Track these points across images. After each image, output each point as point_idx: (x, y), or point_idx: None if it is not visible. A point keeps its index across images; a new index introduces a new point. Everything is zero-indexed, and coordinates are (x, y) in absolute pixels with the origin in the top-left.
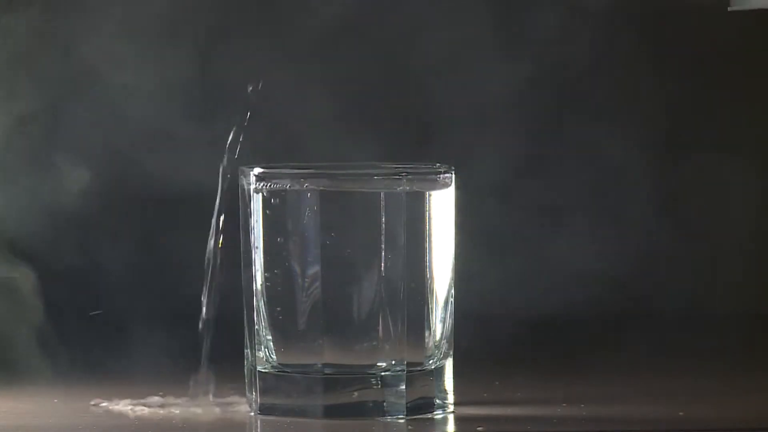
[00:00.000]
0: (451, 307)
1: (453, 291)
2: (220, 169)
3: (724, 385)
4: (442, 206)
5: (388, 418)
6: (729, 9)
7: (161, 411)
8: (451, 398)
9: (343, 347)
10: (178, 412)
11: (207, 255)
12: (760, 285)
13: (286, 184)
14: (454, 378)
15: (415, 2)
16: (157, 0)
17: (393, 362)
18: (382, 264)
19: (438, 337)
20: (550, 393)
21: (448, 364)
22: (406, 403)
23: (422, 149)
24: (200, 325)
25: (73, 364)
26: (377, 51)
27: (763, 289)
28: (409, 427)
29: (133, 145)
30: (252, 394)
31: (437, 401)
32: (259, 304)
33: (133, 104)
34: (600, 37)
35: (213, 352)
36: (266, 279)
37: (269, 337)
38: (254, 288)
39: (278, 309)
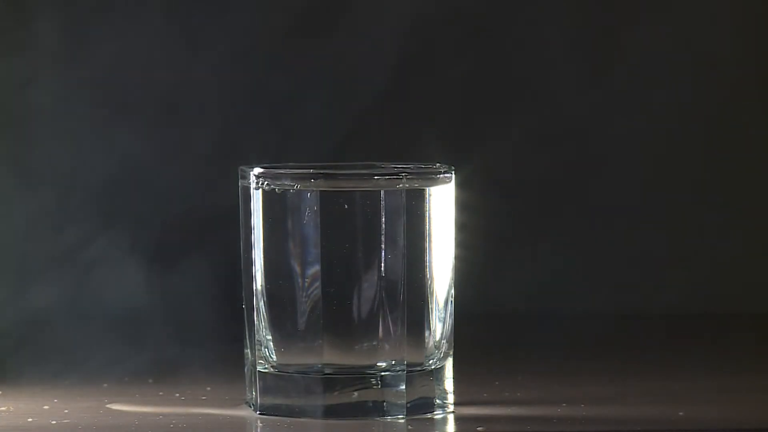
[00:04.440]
0: (450, 306)
1: (453, 291)
2: None
3: (724, 385)
4: (441, 205)
5: (388, 418)
6: None
7: (161, 410)
8: (451, 398)
9: (342, 347)
10: (178, 411)
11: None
12: (760, 285)
13: (286, 184)
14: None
15: None
16: None
17: (393, 362)
18: (382, 264)
19: (438, 337)
20: (550, 393)
21: (448, 364)
22: (406, 403)
23: None
24: None
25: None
26: None
27: (763, 289)
28: (409, 427)
29: None
30: (252, 394)
31: (437, 401)
32: (259, 304)
33: None
34: None
35: None
36: (266, 279)
37: (269, 337)
38: (254, 288)
39: (278, 309)
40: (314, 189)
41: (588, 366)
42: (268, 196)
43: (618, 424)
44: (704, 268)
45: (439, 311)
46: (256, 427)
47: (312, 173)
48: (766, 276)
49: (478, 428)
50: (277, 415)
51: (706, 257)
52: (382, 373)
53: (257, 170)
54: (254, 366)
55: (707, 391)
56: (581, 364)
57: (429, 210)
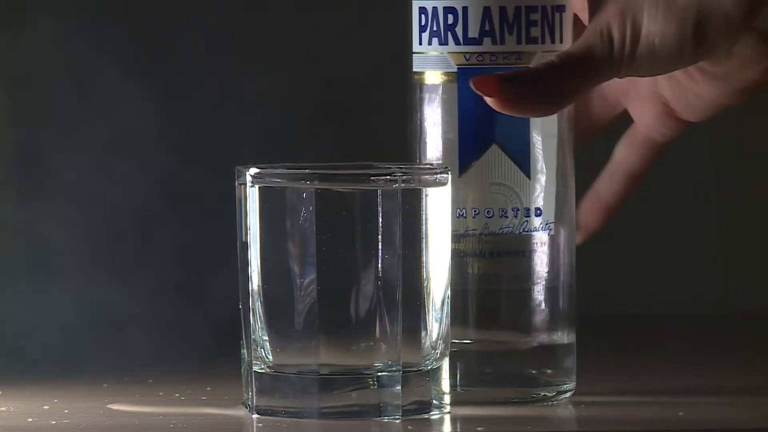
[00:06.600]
0: (447, 307)
1: (449, 291)
2: None
3: (724, 385)
4: (438, 206)
5: (385, 419)
6: None
7: (161, 410)
8: (447, 399)
9: (339, 348)
10: (178, 411)
11: None
12: (760, 285)
13: (283, 184)
14: None
15: None
16: None
17: (389, 363)
18: (379, 264)
19: (434, 337)
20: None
21: (445, 365)
22: (402, 404)
23: None
24: None
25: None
26: None
27: (763, 289)
28: (409, 427)
29: None
30: (248, 394)
31: (434, 402)
32: (255, 304)
33: None
34: None
35: None
36: (262, 279)
37: (265, 338)
38: (250, 288)
39: (274, 309)
40: (310, 189)
41: (587, 366)
42: (264, 196)
43: (618, 424)
44: (705, 268)
45: (435, 312)
46: (253, 427)
47: (307, 173)
48: (766, 276)
49: (478, 428)
50: (273, 416)
51: (705, 257)
52: (379, 374)
53: (253, 170)
54: (250, 366)
55: (707, 391)
56: (580, 364)
57: (426, 210)
